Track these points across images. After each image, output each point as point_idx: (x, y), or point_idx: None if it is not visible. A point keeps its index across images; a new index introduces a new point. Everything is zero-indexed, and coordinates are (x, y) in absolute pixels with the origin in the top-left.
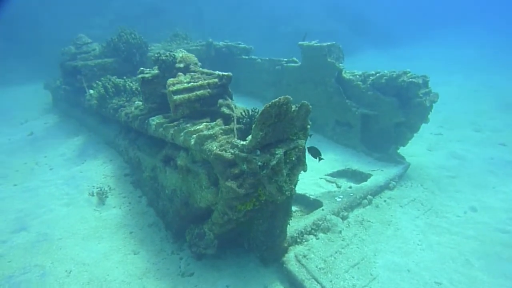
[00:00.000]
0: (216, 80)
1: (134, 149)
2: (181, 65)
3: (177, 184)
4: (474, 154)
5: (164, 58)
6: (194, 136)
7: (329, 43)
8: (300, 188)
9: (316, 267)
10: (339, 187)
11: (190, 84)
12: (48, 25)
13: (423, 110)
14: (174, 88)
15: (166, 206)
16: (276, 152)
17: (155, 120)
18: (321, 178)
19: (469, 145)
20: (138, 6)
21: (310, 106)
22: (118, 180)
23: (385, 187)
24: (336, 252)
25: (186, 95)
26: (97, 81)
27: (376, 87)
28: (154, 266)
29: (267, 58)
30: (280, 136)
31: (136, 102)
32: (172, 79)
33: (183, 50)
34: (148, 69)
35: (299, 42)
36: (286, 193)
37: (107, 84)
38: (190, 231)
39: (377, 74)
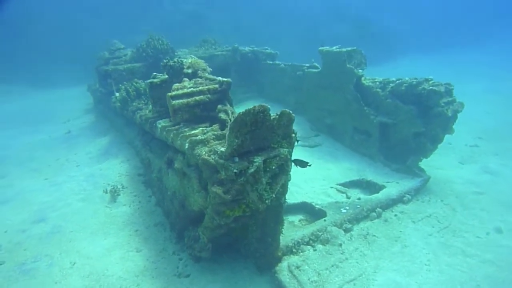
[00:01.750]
0: (216, 86)
1: (146, 150)
2: (189, 71)
3: (176, 187)
4: (511, 170)
5: (172, 63)
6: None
7: (349, 49)
8: (308, 197)
9: (309, 279)
10: (348, 197)
11: (189, 90)
12: (96, 30)
13: (444, 120)
14: (173, 93)
15: (169, 207)
16: (255, 160)
17: (161, 123)
18: (332, 188)
19: (507, 159)
20: (181, 13)
21: (293, 115)
22: (132, 179)
23: (399, 200)
24: (332, 266)
25: (185, 100)
26: (120, 85)
27: (395, 94)
28: (153, 265)
29: (289, 64)
30: (261, 144)
31: (151, 106)
32: (177, 84)
33: (193, 56)
34: (160, 74)
35: (319, 48)
36: (266, 201)
37: (128, 88)
38: (187, 233)
39: (397, 81)
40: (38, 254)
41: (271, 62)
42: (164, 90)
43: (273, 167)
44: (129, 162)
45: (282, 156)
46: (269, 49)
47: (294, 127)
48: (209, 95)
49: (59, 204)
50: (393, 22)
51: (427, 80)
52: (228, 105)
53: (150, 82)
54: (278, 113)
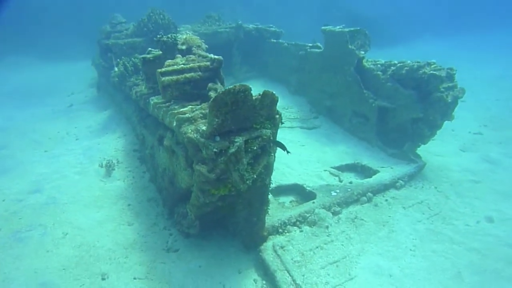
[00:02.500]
0: (207, 63)
1: (141, 126)
2: (183, 47)
3: (166, 164)
4: None
5: (165, 39)
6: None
7: (352, 29)
8: (300, 179)
9: (292, 259)
10: (340, 181)
11: (179, 67)
12: (104, 3)
13: (443, 106)
14: (163, 69)
15: (161, 183)
16: (236, 140)
17: (153, 100)
18: (325, 170)
19: (510, 149)
20: None
21: (276, 95)
22: (127, 154)
23: (391, 185)
24: (317, 247)
25: (175, 77)
26: (118, 60)
27: (396, 78)
28: (143, 238)
29: (293, 43)
30: (243, 124)
31: None
32: (169, 60)
33: (188, 32)
34: (155, 50)
35: (322, 27)
36: (247, 182)
37: (126, 63)
38: (177, 209)
39: (399, 64)
40: (32, 224)
41: (274, 40)
42: (157, 66)
43: (255, 148)
44: (125, 138)
45: (265, 137)
46: (274, 27)
47: (294, 108)
48: (200, 73)
49: (55, 176)
50: (411, 2)
51: (429, 64)
52: (219, 84)
53: (143, 58)
54: (260, 94)
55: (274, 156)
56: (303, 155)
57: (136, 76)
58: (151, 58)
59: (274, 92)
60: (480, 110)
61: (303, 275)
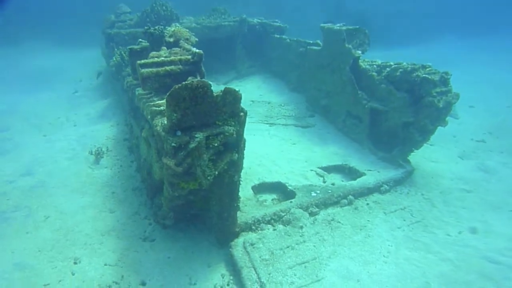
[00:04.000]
0: (189, 57)
1: (130, 116)
2: (171, 40)
3: (145, 155)
4: (511, 170)
5: (152, 31)
6: None
7: (351, 27)
8: (285, 177)
9: (260, 257)
10: (324, 182)
11: (160, 59)
12: None
13: (435, 111)
14: (142, 61)
15: (143, 174)
16: (196, 136)
17: (138, 91)
18: (312, 170)
19: (511, 158)
20: None
21: (239, 93)
22: (118, 143)
23: (375, 189)
24: (287, 247)
25: (154, 69)
26: (115, 49)
27: (390, 80)
28: (122, 226)
29: (295, 39)
30: (204, 120)
31: None
32: (154, 52)
33: (178, 25)
34: (144, 41)
35: (321, 24)
36: (209, 178)
37: (123, 52)
38: (155, 200)
39: (394, 66)
40: (18, 205)
41: (278, 36)
42: (144, 57)
43: (216, 144)
44: (118, 126)
45: (227, 134)
46: (278, 22)
47: (291, 106)
48: (180, 66)
49: (48, 160)
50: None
51: (424, 67)
52: (199, 78)
53: (130, 49)
54: (221, 90)
55: (243, 154)
56: (292, 154)
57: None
58: (138, 49)
59: (237, 90)
60: (487, 117)
61: (269, 274)
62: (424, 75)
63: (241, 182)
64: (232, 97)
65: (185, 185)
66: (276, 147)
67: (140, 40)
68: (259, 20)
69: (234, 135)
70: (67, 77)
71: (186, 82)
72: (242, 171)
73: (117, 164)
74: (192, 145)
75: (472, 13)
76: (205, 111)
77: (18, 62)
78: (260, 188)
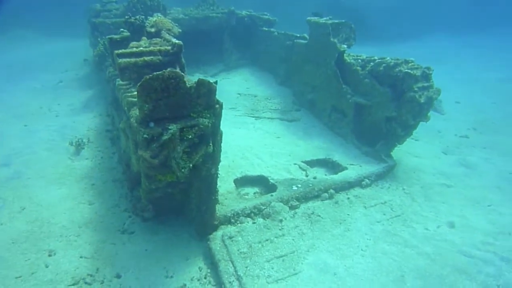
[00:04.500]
0: (168, 48)
1: (112, 107)
2: (152, 30)
3: (124, 146)
4: (492, 165)
5: (132, 20)
6: None
7: (336, 21)
8: (267, 171)
9: (238, 250)
10: (306, 176)
11: (139, 49)
12: None
13: (416, 106)
14: (120, 51)
15: (124, 166)
16: (169, 128)
17: (119, 81)
18: (295, 164)
19: (494, 154)
20: None
21: (214, 85)
22: (99, 134)
23: (356, 184)
24: (266, 240)
25: (132, 60)
26: (99, 39)
27: (373, 74)
28: (100, 218)
29: (282, 32)
30: (178, 112)
31: None
32: (134, 42)
33: (160, 15)
34: (126, 31)
35: (307, 18)
36: (183, 170)
37: (106, 42)
38: (134, 192)
39: (377, 60)
40: None
41: (266, 29)
42: (124, 47)
43: (190, 137)
44: (101, 117)
45: (202, 126)
46: (268, 14)
47: (277, 99)
48: (160, 57)
49: (26, 151)
50: None
51: (406, 61)
52: (178, 69)
53: (110, 38)
54: (195, 82)
55: (220, 147)
56: (276, 147)
57: None
58: (118, 39)
59: (211, 82)
60: (472, 113)
61: (247, 267)
62: (406, 70)
63: (223, 175)
64: (206, 88)
65: (162, 177)
66: (260, 140)
67: (122, 29)
68: (248, 13)
69: (209, 127)
70: (53, 67)
71: (158, 72)
72: (225, 164)
73: (98, 156)
74: (165, 137)
75: (464, 11)
76: (179, 102)
77: (4, 50)
78: (243, 182)
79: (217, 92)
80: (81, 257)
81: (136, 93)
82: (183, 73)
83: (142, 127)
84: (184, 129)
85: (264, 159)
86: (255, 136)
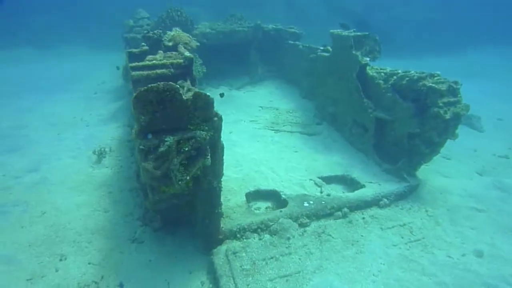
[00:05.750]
0: (181, 61)
1: (132, 117)
2: (170, 44)
3: (136, 156)
4: None
5: (151, 35)
6: None
7: (359, 33)
8: (281, 186)
9: (241, 267)
10: (321, 192)
11: (152, 62)
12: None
13: (441, 122)
14: (133, 64)
15: (135, 176)
16: (166, 140)
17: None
18: (311, 179)
19: None
20: None
21: (211, 98)
22: (121, 144)
23: (373, 203)
24: (271, 258)
25: (145, 72)
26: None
27: (396, 88)
28: (113, 226)
29: (307, 45)
30: (175, 124)
31: None
32: (150, 56)
33: (178, 29)
34: (145, 45)
35: (330, 30)
36: (180, 182)
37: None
38: (145, 202)
39: (400, 74)
40: (18, 200)
41: (292, 42)
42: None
43: (187, 149)
44: (124, 128)
45: (199, 138)
46: (294, 28)
47: (299, 112)
48: (172, 69)
49: (53, 157)
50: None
51: (432, 75)
52: (189, 81)
53: (129, 52)
54: (192, 94)
55: (222, 160)
56: (293, 162)
57: None
58: (137, 53)
59: (208, 94)
60: None
61: (248, 285)
62: (430, 84)
63: (235, 189)
64: (203, 101)
65: (166, 188)
66: (277, 154)
67: (142, 44)
68: (274, 26)
69: (207, 140)
70: (92, 78)
71: (152, 85)
72: (239, 177)
73: (118, 165)
74: (161, 149)
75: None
76: (176, 115)
77: (51, 64)
78: (255, 196)
79: (239, 105)
80: (89, 263)
81: None
82: (193, 86)
83: (139, 138)
84: (181, 141)
85: (279, 173)
86: (273, 150)
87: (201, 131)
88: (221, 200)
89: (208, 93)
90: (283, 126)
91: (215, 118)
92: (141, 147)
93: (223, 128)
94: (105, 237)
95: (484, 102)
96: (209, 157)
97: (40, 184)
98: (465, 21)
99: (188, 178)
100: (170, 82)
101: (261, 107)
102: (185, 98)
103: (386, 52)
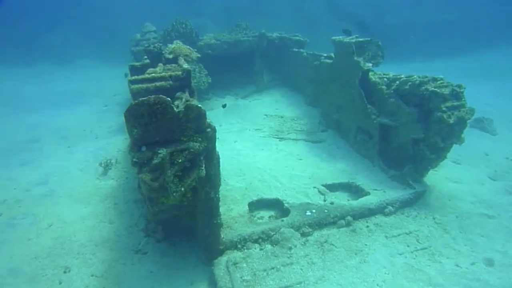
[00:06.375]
0: (179, 73)
1: None
2: (170, 56)
3: None
4: None
5: (151, 48)
6: None
7: (361, 39)
8: (284, 194)
9: (241, 277)
10: (324, 200)
11: (151, 75)
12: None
13: (445, 127)
14: (133, 78)
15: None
16: (159, 152)
17: None
18: (314, 188)
19: None
20: None
21: (203, 109)
22: (127, 156)
23: (378, 211)
24: (272, 268)
25: (144, 85)
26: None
27: (399, 93)
28: (117, 238)
29: (311, 53)
30: (168, 136)
31: None
32: (151, 69)
33: (179, 42)
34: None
35: (332, 37)
36: (174, 194)
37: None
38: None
39: (403, 79)
40: (27, 212)
41: (296, 50)
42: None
43: (180, 160)
44: None
45: (192, 150)
46: (299, 35)
47: (304, 120)
48: (170, 82)
49: (63, 170)
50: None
51: (435, 79)
52: (187, 93)
53: (131, 65)
54: (183, 107)
55: (218, 170)
56: (297, 170)
57: None
58: (138, 66)
59: (200, 106)
60: None
61: None
62: (432, 89)
63: (238, 198)
64: (195, 113)
65: (164, 200)
66: (281, 162)
67: (145, 57)
68: (279, 35)
69: (201, 151)
70: (104, 92)
71: (143, 98)
72: (242, 186)
73: (123, 176)
74: (155, 161)
75: None
76: (168, 127)
77: (67, 79)
78: (258, 205)
79: (244, 114)
80: (92, 275)
81: None
82: (192, 97)
83: (132, 151)
84: (174, 153)
85: (282, 181)
86: (277, 158)
87: (194, 143)
88: (224, 210)
89: (214, 102)
90: (288, 134)
91: (208, 129)
92: (134, 159)
93: (227, 137)
94: (109, 249)
95: (498, 104)
96: (203, 168)
97: (48, 196)
98: (479, 21)
99: (182, 189)
100: (161, 95)
101: (266, 115)
102: (177, 110)
103: (396, 55)
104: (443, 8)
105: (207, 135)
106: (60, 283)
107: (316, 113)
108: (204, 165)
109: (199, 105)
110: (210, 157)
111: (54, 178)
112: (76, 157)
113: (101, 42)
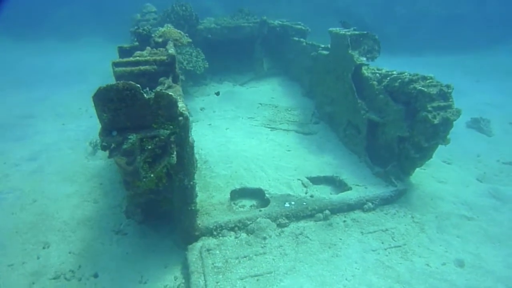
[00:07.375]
0: (164, 57)
1: None
2: (160, 40)
3: None
4: None
5: (140, 31)
6: None
7: (357, 32)
8: (268, 185)
9: (213, 264)
10: (306, 193)
11: (135, 59)
12: None
13: (429, 127)
14: (116, 60)
15: None
16: (129, 137)
17: None
18: (299, 179)
19: None
20: None
21: (174, 97)
22: None
23: (357, 206)
24: (244, 257)
25: (128, 68)
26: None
27: (389, 90)
28: (100, 217)
29: (310, 42)
30: (139, 122)
31: None
32: (138, 52)
33: (170, 26)
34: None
35: (329, 29)
36: (144, 179)
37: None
38: None
39: (393, 75)
40: (14, 187)
41: (296, 38)
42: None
43: (150, 147)
44: None
45: (162, 137)
46: (301, 24)
47: (298, 111)
48: (155, 66)
49: (53, 147)
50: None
51: (424, 78)
52: (170, 79)
53: (119, 47)
54: (153, 94)
55: (192, 158)
56: (283, 161)
57: None
58: (127, 48)
59: (171, 94)
60: None
61: (217, 282)
62: (420, 88)
63: (222, 185)
64: (166, 101)
65: (140, 183)
66: (269, 152)
67: (135, 39)
68: (280, 22)
69: (172, 139)
70: (104, 70)
71: (112, 83)
72: (227, 174)
73: None
74: (124, 146)
75: None
76: (139, 113)
77: (71, 56)
78: (241, 193)
79: (240, 101)
80: (69, 252)
81: None
82: (176, 83)
83: (103, 135)
84: (144, 140)
85: (268, 171)
86: (265, 148)
87: (165, 130)
88: (205, 196)
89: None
90: (280, 124)
91: (180, 118)
92: (103, 143)
93: (220, 124)
94: (90, 228)
95: (500, 104)
96: (174, 155)
97: (37, 173)
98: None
99: (152, 175)
100: (130, 82)
101: (260, 104)
102: (147, 97)
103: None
104: (457, 1)
105: (179, 123)
106: (38, 258)
107: (311, 105)
108: (175, 153)
109: (170, 93)
110: (182, 145)
111: (44, 155)
112: (68, 135)
113: (105, 20)
